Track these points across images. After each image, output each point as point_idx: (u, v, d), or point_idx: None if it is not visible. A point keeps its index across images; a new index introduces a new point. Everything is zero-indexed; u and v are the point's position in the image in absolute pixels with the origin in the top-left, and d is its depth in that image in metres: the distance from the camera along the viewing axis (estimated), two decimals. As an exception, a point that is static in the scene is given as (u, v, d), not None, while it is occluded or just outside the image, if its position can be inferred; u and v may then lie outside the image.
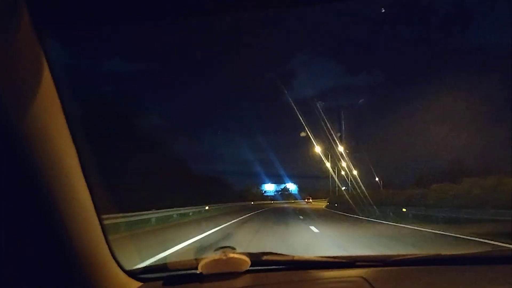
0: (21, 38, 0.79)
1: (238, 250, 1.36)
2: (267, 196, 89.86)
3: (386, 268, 1.42)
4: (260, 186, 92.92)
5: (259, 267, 1.40)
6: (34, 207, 0.84)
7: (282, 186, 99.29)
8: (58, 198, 0.88)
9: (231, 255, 1.30)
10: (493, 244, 7.56)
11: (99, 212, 1.04)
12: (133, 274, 1.27)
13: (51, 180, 0.86)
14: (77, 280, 0.95)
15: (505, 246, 7.11)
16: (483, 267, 1.41)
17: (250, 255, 1.35)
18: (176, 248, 7.35)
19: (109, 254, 1.11)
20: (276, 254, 1.48)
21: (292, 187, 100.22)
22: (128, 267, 1.26)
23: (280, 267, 1.44)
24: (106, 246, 1.09)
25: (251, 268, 1.33)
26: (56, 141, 0.88)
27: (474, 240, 8.57)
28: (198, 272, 1.28)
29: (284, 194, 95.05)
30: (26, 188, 0.82)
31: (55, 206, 0.87)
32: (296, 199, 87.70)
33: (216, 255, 1.30)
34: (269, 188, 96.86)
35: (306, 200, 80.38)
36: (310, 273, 1.39)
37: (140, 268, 1.37)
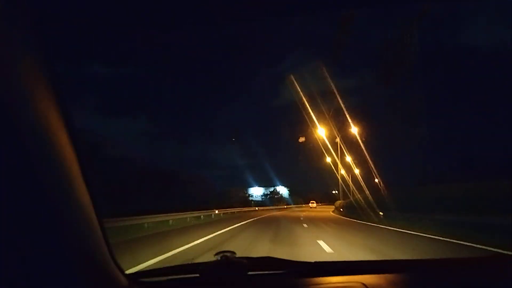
0: (21, 40, 0.80)
1: (238, 254, 1.35)
2: (253, 201, 73.73)
3: (386, 275, 1.41)
4: (246, 189, 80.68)
5: (259, 272, 1.41)
6: (35, 209, 0.84)
7: (271, 189, 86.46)
8: (59, 200, 0.88)
9: (231, 259, 1.31)
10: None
11: (99, 214, 1.03)
12: (133, 278, 1.27)
13: (52, 182, 0.86)
14: (77, 282, 0.95)
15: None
16: (484, 272, 1.41)
17: (249, 259, 1.37)
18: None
19: (110, 257, 1.10)
20: (275, 259, 1.48)
21: (283, 190, 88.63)
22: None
23: (280, 272, 1.45)
24: (107, 249, 1.08)
25: (250, 273, 1.34)
26: (56, 143, 0.88)
27: None
28: (197, 276, 1.30)
29: (274, 198, 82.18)
30: (26, 190, 0.82)
31: (55, 209, 0.87)
32: (288, 204, 74.49)
33: (216, 259, 1.31)
34: (257, 192, 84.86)
35: (310, 204, 68.78)
36: (310, 278, 1.39)
37: (140, 272, 1.39)
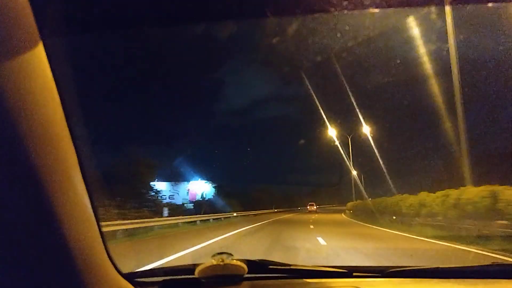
0: (22, 37, 0.79)
1: (236, 257, 1.34)
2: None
3: (383, 279, 1.41)
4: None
5: (257, 275, 1.40)
6: (32, 209, 0.84)
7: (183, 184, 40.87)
8: (57, 200, 0.87)
9: (229, 261, 1.30)
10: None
11: (97, 214, 1.03)
12: (130, 278, 1.25)
13: (50, 182, 0.85)
14: (73, 282, 0.95)
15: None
16: (482, 281, 1.39)
17: (247, 262, 1.34)
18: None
19: (107, 257, 1.10)
20: (273, 262, 1.47)
21: (202, 187, 41.85)
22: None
23: (278, 275, 1.45)
24: (104, 248, 1.08)
25: (248, 275, 1.33)
26: (56, 142, 0.88)
27: None
28: (195, 277, 1.28)
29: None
30: (24, 189, 0.82)
31: (53, 208, 0.86)
32: (218, 211, 29.63)
33: (214, 261, 1.29)
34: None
35: (308, 207, 52.32)
36: (307, 282, 1.39)
37: (137, 272, 1.38)
